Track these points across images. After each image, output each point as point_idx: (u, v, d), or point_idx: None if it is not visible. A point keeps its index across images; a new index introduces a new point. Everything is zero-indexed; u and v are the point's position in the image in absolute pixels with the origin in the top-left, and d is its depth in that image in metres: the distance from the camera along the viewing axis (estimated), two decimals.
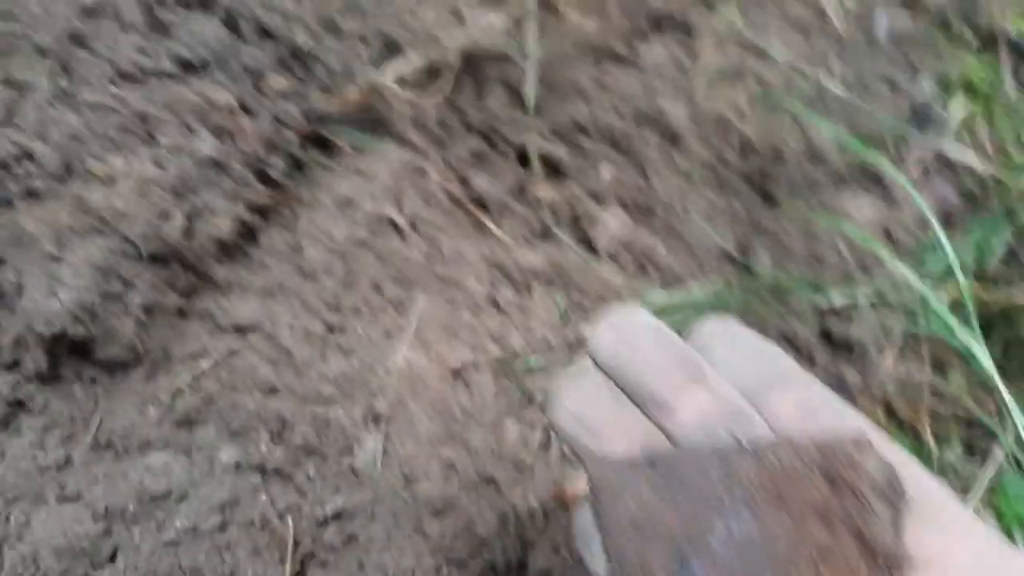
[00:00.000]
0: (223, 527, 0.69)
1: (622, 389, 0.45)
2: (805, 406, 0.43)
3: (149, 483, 0.68)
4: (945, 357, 0.86)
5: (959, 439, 0.84)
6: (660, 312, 0.86)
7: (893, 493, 0.39)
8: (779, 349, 0.46)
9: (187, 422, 0.71)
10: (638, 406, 0.44)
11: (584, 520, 0.46)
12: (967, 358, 0.85)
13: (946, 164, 0.93)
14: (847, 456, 0.39)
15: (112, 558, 0.68)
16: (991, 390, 0.84)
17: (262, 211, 0.78)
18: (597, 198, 0.90)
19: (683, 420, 0.43)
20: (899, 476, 0.39)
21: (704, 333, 0.46)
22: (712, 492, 0.40)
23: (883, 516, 0.38)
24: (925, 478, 0.41)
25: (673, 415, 0.43)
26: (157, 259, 0.72)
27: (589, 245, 0.91)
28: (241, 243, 0.78)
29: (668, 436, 0.44)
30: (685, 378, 0.43)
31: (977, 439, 0.83)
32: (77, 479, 0.69)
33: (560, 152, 0.89)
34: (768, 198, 0.93)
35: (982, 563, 0.38)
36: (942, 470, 0.82)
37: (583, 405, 0.45)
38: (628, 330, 0.45)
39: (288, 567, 0.69)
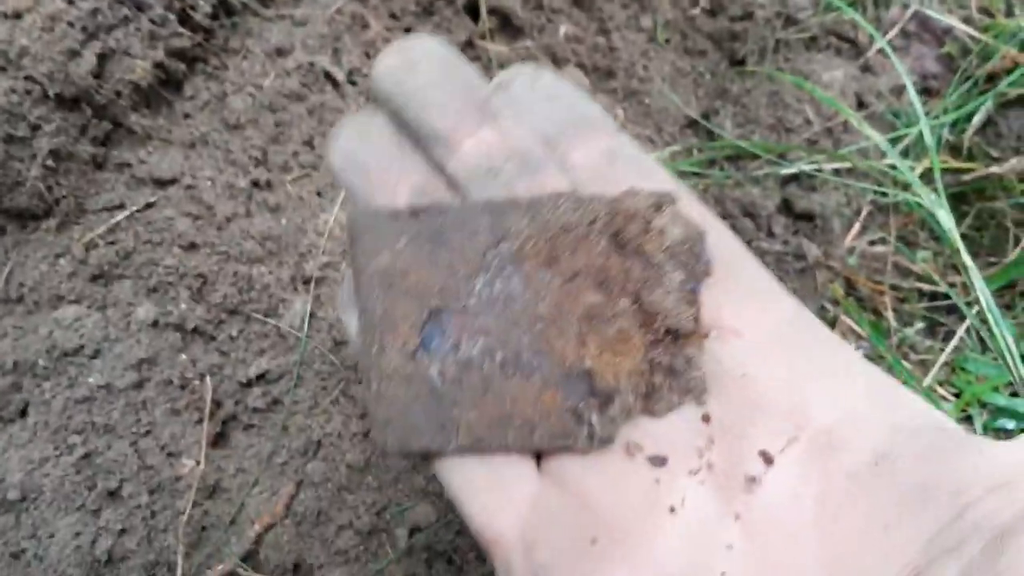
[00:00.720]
0: (139, 385, 0.66)
1: (404, 125, 0.40)
2: (608, 157, 0.39)
3: (60, 338, 0.65)
4: (912, 232, 0.82)
5: (920, 316, 0.80)
6: None
7: (692, 259, 0.35)
8: (586, 94, 0.41)
9: (101, 276, 0.68)
10: (421, 146, 0.40)
11: (347, 281, 0.42)
12: (935, 232, 0.81)
13: (926, 27, 0.87)
14: (641, 215, 0.35)
15: (23, 413, 0.65)
16: (957, 267, 0.80)
17: (185, 57, 0.73)
18: (553, 57, 0.84)
19: (465, 160, 0.39)
20: (704, 242, 0.36)
21: (506, 74, 0.41)
22: (475, 247, 0.37)
23: (672, 283, 0.35)
24: (734, 245, 0.38)
25: (454, 153, 0.39)
26: (66, 102, 0.67)
27: None
28: (162, 91, 0.72)
29: (450, 179, 0.40)
30: (472, 114, 0.39)
31: (939, 317, 0.80)
32: None
33: (514, 4, 0.82)
34: (735, 61, 0.87)
35: (784, 333, 0.36)
36: (902, 347, 0.79)
37: (360, 146, 0.41)
38: (414, 56, 0.39)
39: (206, 428, 0.66)
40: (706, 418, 0.35)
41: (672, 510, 0.34)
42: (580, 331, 0.36)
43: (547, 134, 0.39)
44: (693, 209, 0.37)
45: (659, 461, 0.35)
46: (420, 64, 0.39)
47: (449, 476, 0.38)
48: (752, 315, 0.36)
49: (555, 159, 0.39)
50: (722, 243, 0.37)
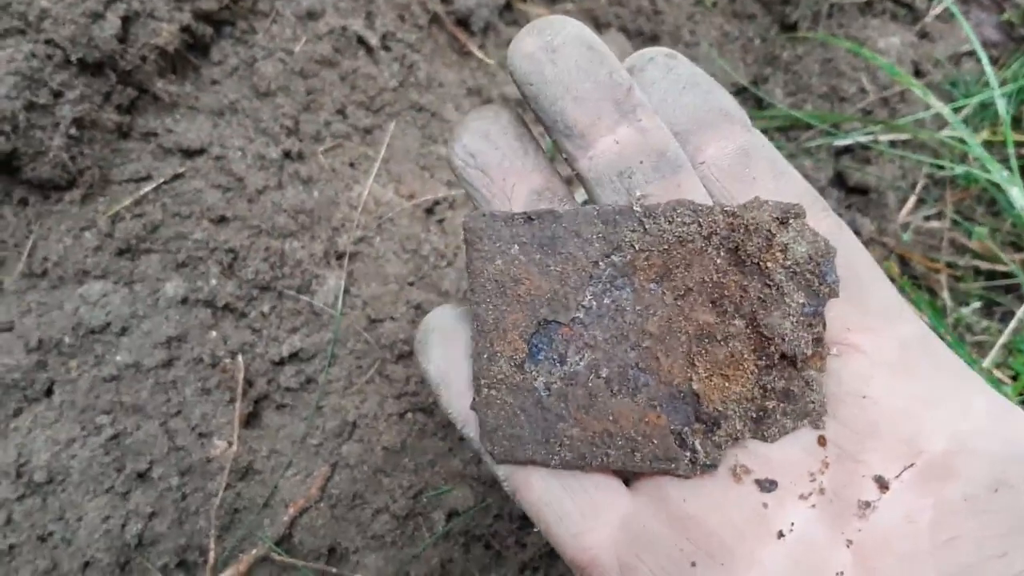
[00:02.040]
0: (168, 364, 0.64)
1: (538, 117, 0.37)
2: (742, 155, 0.37)
3: (86, 315, 0.63)
4: (968, 207, 0.78)
5: (977, 296, 0.77)
6: None
7: (817, 278, 0.33)
8: (718, 84, 0.38)
9: (128, 251, 0.65)
10: (553, 136, 0.37)
11: (438, 354, 0.40)
12: (992, 207, 0.78)
13: None
14: (764, 230, 0.33)
15: (48, 392, 0.63)
16: (1016, 243, 0.77)
17: (212, 20, 0.70)
18: (595, 21, 0.81)
19: (598, 159, 0.37)
20: (832, 260, 0.33)
21: (638, 58, 0.38)
22: (587, 257, 0.36)
23: (793, 305, 0.33)
24: (865, 259, 0.36)
25: (588, 151, 0.37)
26: (89, 68, 0.64)
27: None
28: (188, 56, 0.69)
29: (580, 175, 0.37)
30: (611, 110, 0.36)
31: (996, 296, 0.76)
32: (8, 308, 0.63)
33: None
34: (786, 26, 0.83)
35: (908, 355, 0.34)
36: (958, 328, 0.75)
37: (482, 145, 0.38)
38: (556, 41, 0.36)
39: (239, 408, 0.64)
40: (822, 441, 0.34)
41: (780, 535, 0.32)
42: (689, 351, 0.34)
43: (682, 126, 0.37)
44: (823, 221, 0.35)
45: (769, 485, 0.34)
46: (562, 51, 0.36)
47: (532, 492, 0.37)
48: (877, 334, 0.34)
49: (688, 153, 0.37)
50: (852, 257, 0.35)
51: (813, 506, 0.33)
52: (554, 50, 0.36)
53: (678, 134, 0.37)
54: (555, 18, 0.37)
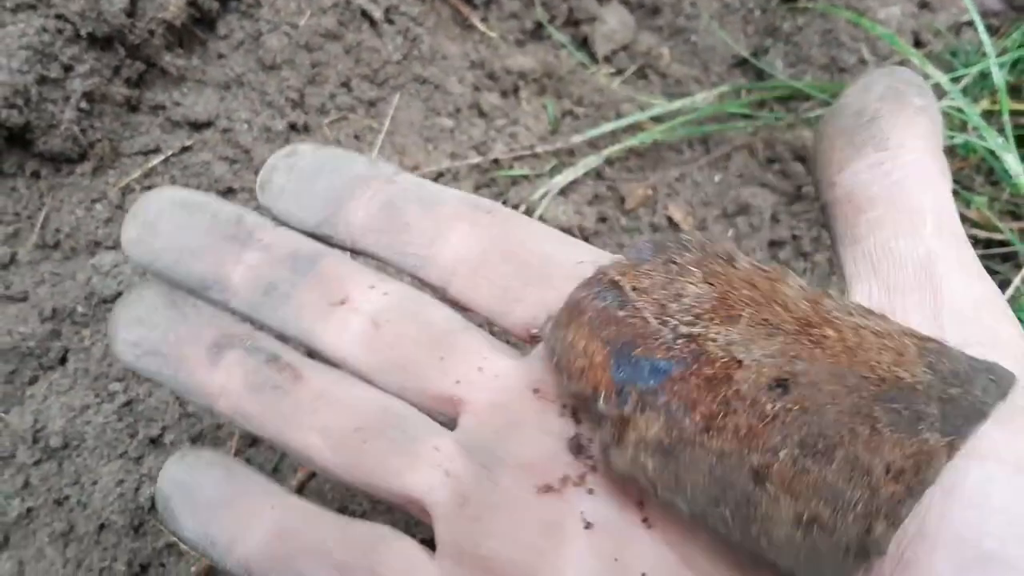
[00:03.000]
0: None
1: (179, 287, 0.39)
2: (386, 207, 0.38)
3: (99, 284, 0.64)
4: (967, 176, 0.79)
5: None
6: (661, 122, 0.79)
7: None
8: (350, 153, 0.40)
9: None
10: (201, 298, 0.39)
11: (191, 520, 0.38)
12: (991, 176, 0.78)
13: None
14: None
15: (62, 360, 0.64)
16: (1015, 212, 0.77)
17: None
18: None
19: (241, 292, 0.38)
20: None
21: (265, 171, 0.40)
22: None
23: None
24: None
25: (228, 291, 0.38)
26: (99, 42, 0.65)
27: (585, 46, 0.83)
28: (195, 30, 0.70)
29: (244, 317, 0.39)
30: (228, 245, 0.38)
31: (994, 265, 0.77)
32: (23, 278, 0.65)
33: None
34: None
35: None
36: None
37: (140, 329, 0.38)
38: (150, 217, 0.38)
39: None
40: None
41: (576, 533, 0.33)
42: None
43: (323, 211, 0.38)
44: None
45: (545, 488, 0.34)
46: (159, 221, 0.38)
47: None
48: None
49: (341, 231, 0.38)
50: None
51: (591, 491, 0.33)
52: (152, 224, 0.38)
53: (325, 221, 0.38)
54: (145, 197, 0.39)
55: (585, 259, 0.35)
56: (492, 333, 0.41)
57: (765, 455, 0.28)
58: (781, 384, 0.29)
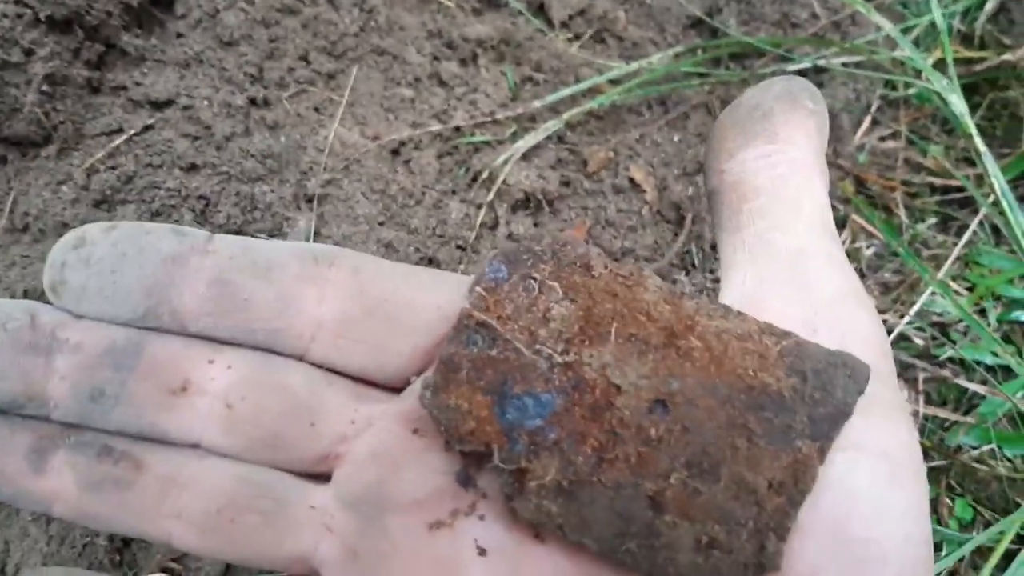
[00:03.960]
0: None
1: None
2: (220, 283, 0.33)
3: None
4: (923, 126, 0.80)
5: (933, 212, 0.79)
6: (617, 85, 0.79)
7: None
8: (160, 231, 0.34)
9: (104, 202, 0.67)
10: (27, 421, 0.34)
11: None
12: (946, 124, 0.80)
13: None
14: None
15: None
16: (970, 159, 0.79)
17: None
18: None
19: (61, 404, 0.34)
20: None
21: (52, 270, 0.34)
22: None
23: None
24: None
25: (48, 405, 0.34)
26: (58, 25, 0.66)
27: (542, 12, 0.84)
28: (153, 10, 0.71)
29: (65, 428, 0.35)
30: (31, 357, 0.33)
31: (951, 211, 0.78)
32: None
33: None
34: None
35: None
36: (914, 243, 0.78)
37: None
38: None
39: None
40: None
41: (471, 560, 0.33)
42: None
43: (141, 305, 0.33)
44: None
45: (436, 525, 0.34)
46: None
47: None
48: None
49: (167, 320, 0.34)
50: None
51: (482, 517, 0.33)
52: None
53: (146, 315, 0.34)
54: None
55: (446, 295, 0.34)
56: None
57: (658, 481, 0.29)
58: (660, 405, 0.30)
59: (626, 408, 0.30)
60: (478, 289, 0.32)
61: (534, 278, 0.32)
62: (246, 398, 0.34)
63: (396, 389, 0.36)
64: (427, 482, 0.33)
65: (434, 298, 0.34)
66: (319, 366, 0.35)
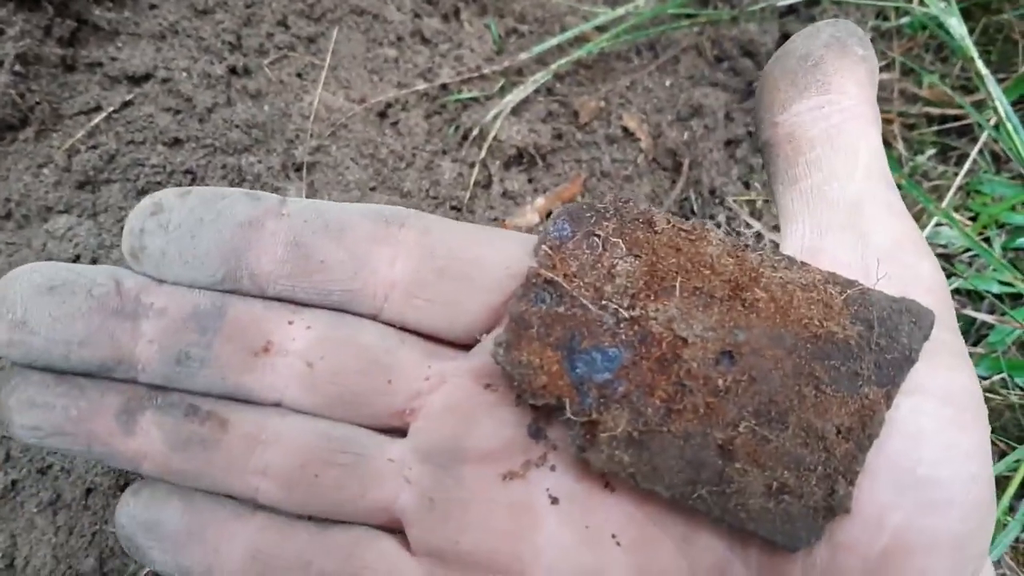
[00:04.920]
0: None
1: (68, 372, 0.35)
2: (295, 245, 0.35)
3: (55, 249, 0.64)
4: (917, 56, 0.79)
5: (931, 143, 0.78)
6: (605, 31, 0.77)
7: None
8: (223, 188, 0.36)
9: (88, 183, 0.66)
10: (116, 385, 0.35)
11: (161, 556, 0.37)
12: (941, 52, 0.78)
13: None
14: None
15: None
16: (967, 87, 0.78)
17: None
18: None
19: (149, 365, 0.35)
20: None
21: (131, 237, 0.35)
22: None
23: None
24: None
25: (136, 367, 0.35)
26: (26, 2, 0.64)
27: None
28: None
29: (160, 391, 0.36)
30: (116, 320, 0.34)
31: (950, 141, 0.77)
32: None
33: None
34: None
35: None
36: (914, 176, 0.77)
37: (36, 413, 0.35)
38: (18, 312, 0.34)
39: None
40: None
41: (545, 510, 0.35)
42: None
43: (219, 263, 0.35)
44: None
45: (509, 476, 0.36)
46: (29, 319, 0.34)
47: None
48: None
49: (246, 278, 0.35)
50: None
51: (553, 468, 0.35)
52: (22, 323, 0.34)
53: (226, 278, 0.35)
54: (6, 290, 0.34)
55: (512, 253, 0.35)
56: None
57: (727, 430, 0.30)
58: (727, 356, 0.31)
59: (693, 360, 0.31)
60: (544, 247, 0.33)
61: (598, 235, 0.33)
62: (325, 357, 0.35)
63: (465, 346, 0.37)
64: (499, 435, 0.35)
65: (501, 256, 0.35)
66: (392, 325, 0.36)
